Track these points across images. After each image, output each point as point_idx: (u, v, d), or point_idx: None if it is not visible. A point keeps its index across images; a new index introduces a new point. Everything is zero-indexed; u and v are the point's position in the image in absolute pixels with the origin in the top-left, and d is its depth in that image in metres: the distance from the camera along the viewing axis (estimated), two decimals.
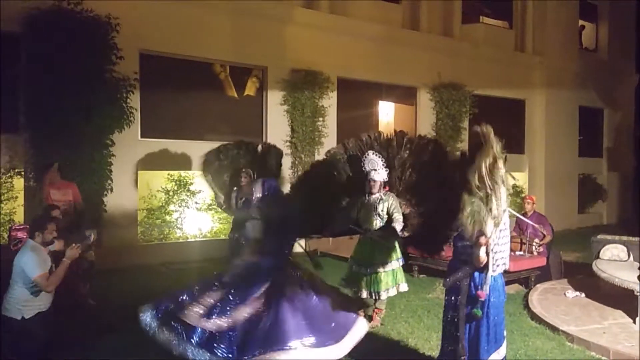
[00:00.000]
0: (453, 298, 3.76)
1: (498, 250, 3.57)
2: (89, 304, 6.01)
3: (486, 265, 3.57)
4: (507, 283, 6.95)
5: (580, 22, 15.28)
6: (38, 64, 7.09)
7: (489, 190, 3.42)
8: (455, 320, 3.70)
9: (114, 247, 7.91)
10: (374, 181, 5.01)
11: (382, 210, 5.03)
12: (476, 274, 3.65)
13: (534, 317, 5.80)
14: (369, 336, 5.02)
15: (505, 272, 6.60)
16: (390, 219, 5.04)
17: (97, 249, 6.68)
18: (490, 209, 3.44)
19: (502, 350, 3.72)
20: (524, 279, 7.26)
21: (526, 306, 6.23)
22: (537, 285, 7.03)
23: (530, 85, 13.80)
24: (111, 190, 7.81)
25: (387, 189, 5.19)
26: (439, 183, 4.80)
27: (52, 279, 4.15)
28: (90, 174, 7.37)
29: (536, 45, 13.90)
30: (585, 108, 14.88)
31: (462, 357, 3.63)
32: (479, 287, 3.61)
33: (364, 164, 5.07)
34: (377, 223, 5.07)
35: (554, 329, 5.33)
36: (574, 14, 14.69)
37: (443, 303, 3.96)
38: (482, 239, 3.47)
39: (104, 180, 7.64)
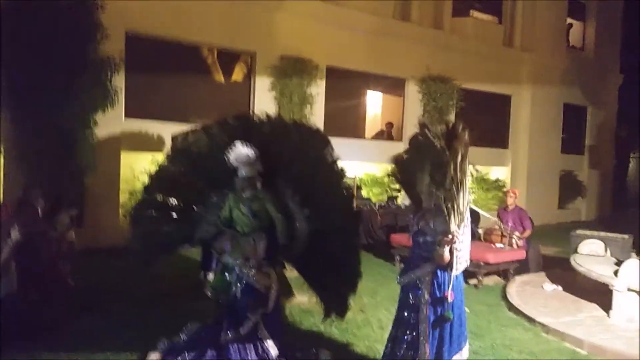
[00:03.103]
0: (411, 296, 3.50)
1: (461, 248, 3.38)
2: (68, 284, 5.96)
3: (449, 264, 3.36)
4: (486, 275, 7.15)
5: (568, 20, 15.43)
6: (20, 41, 6.90)
7: (457, 186, 3.24)
8: (413, 321, 3.45)
9: (95, 228, 7.83)
10: (246, 178, 4.14)
11: (257, 210, 4.22)
12: (439, 272, 3.42)
13: (512, 308, 5.90)
14: (349, 322, 5.08)
15: (486, 263, 6.84)
16: (270, 221, 4.24)
17: (77, 229, 6.61)
18: (457, 206, 3.25)
19: (465, 352, 3.50)
20: (503, 271, 7.38)
21: (504, 297, 6.34)
22: (516, 278, 7.15)
23: (516, 81, 13.92)
24: (94, 170, 7.70)
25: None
26: (326, 179, 4.23)
27: None
28: (73, 153, 7.25)
29: (524, 41, 14.00)
30: (569, 105, 15.08)
31: None
32: (443, 286, 3.40)
33: (229, 157, 4.09)
34: (254, 224, 4.24)
35: (530, 320, 5.44)
36: (562, 12, 14.82)
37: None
38: (447, 238, 3.27)
39: (86, 160, 7.52)
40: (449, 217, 3.26)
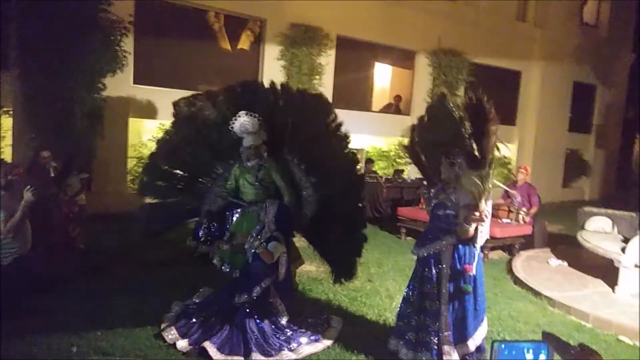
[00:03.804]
0: (429, 269, 3.43)
1: (484, 222, 3.30)
2: (78, 247, 6.00)
3: (472, 238, 3.29)
4: (492, 249, 7.19)
5: None
6: (30, 1, 6.79)
7: (490, 163, 3.20)
8: (435, 293, 3.38)
9: (103, 193, 7.85)
10: (251, 147, 4.18)
11: (263, 179, 4.25)
12: (460, 245, 3.36)
13: (517, 281, 5.95)
14: (358, 290, 5.14)
15: (492, 238, 6.86)
16: (277, 189, 4.30)
17: (86, 193, 6.62)
18: (488, 182, 3.18)
19: (485, 326, 3.46)
20: (508, 246, 7.42)
21: (509, 271, 6.38)
22: (521, 252, 7.19)
23: (527, 57, 13.71)
24: (101, 135, 7.67)
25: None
26: (330, 144, 4.26)
27: (10, 220, 4.22)
28: (81, 117, 7.20)
29: (538, 16, 13.75)
30: (579, 84, 14.89)
31: (446, 333, 3.33)
32: (464, 260, 3.35)
33: (234, 127, 4.14)
34: (260, 193, 4.27)
35: (536, 293, 5.48)
36: None
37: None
38: (475, 216, 3.18)
39: (94, 125, 7.49)
40: (480, 194, 3.18)
